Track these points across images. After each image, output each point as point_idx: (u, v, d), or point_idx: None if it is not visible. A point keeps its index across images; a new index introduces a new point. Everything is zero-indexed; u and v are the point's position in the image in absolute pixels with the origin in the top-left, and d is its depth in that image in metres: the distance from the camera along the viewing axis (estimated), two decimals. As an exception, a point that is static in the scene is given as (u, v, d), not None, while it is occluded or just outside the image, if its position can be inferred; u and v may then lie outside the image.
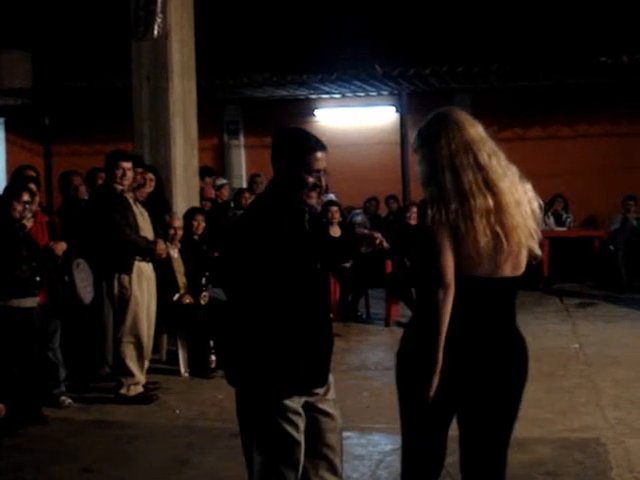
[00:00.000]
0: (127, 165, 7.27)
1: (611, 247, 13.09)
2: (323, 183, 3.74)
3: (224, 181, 12.61)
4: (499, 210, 3.23)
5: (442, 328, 3.20)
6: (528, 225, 3.33)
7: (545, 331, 9.82)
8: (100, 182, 8.05)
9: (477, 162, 3.25)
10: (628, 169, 14.20)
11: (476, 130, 3.33)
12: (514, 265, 3.33)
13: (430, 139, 3.33)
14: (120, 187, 7.26)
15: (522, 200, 3.32)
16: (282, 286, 3.62)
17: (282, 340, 3.63)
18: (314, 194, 3.74)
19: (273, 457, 3.73)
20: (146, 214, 7.54)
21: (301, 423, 3.73)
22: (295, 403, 3.71)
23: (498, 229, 3.22)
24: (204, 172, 11.45)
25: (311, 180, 3.69)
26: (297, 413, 3.71)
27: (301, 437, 3.73)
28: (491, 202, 3.21)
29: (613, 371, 7.93)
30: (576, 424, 6.34)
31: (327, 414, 3.89)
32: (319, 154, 3.69)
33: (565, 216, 13.73)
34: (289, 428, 3.68)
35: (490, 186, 3.23)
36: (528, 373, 3.43)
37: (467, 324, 3.27)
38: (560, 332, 9.76)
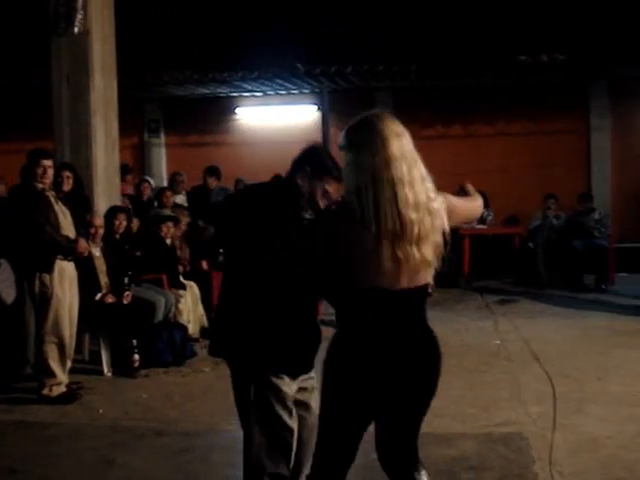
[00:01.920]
0: (48, 163, 7.18)
1: (530, 245, 13.30)
2: (322, 204, 3.93)
3: (150, 180, 12.59)
4: (403, 237, 3.32)
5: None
6: (431, 245, 3.40)
7: (467, 328, 9.94)
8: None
9: (393, 182, 3.32)
10: (548, 167, 14.46)
11: (399, 144, 3.38)
12: (413, 279, 3.40)
13: (357, 147, 3.41)
14: (41, 185, 7.15)
15: (426, 222, 3.37)
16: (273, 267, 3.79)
17: (269, 318, 3.81)
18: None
19: (267, 440, 3.86)
20: (68, 212, 7.41)
21: (294, 411, 3.91)
22: (288, 387, 3.88)
23: (400, 254, 3.32)
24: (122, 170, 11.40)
25: (320, 197, 3.92)
26: (287, 395, 3.87)
27: (294, 424, 3.91)
28: (398, 228, 3.31)
29: (534, 366, 8.06)
30: (499, 419, 6.41)
31: (307, 407, 4.07)
32: (334, 184, 3.92)
33: (486, 214, 13.90)
34: (282, 413, 3.85)
35: (400, 212, 3.31)
36: (438, 371, 3.51)
37: (370, 334, 3.40)
38: (482, 329, 9.89)
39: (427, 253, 3.35)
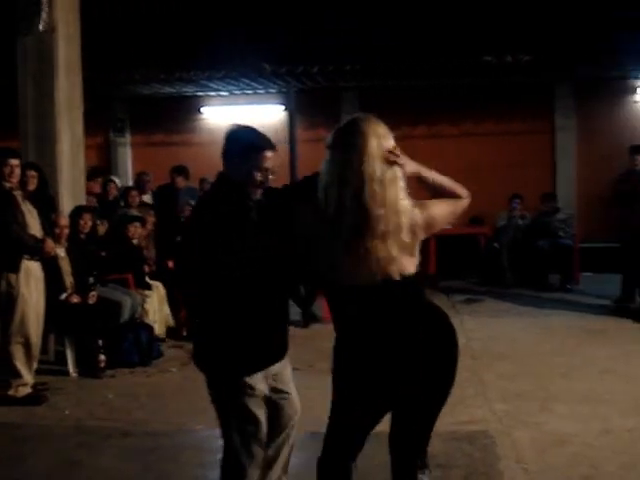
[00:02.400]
0: (15, 162, 7.14)
1: (496, 245, 13.40)
2: (268, 181, 3.87)
3: (116, 180, 12.55)
4: (367, 232, 3.38)
5: None
6: (396, 242, 3.43)
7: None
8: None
9: (363, 178, 3.39)
10: (514, 167, 14.53)
11: (378, 143, 3.47)
12: (386, 273, 3.42)
13: (338, 145, 3.49)
14: (8, 184, 7.10)
15: (392, 220, 3.41)
16: (226, 273, 3.74)
17: (234, 322, 3.77)
18: (259, 190, 3.86)
19: (239, 436, 3.85)
20: (35, 212, 7.39)
21: (264, 404, 3.89)
22: (262, 383, 3.86)
23: (363, 249, 3.38)
24: (94, 172, 11.43)
25: (259, 177, 3.81)
26: (260, 391, 3.85)
27: (263, 417, 3.88)
28: (360, 223, 3.37)
29: (499, 365, 8.14)
30: (464, 417, 6.44)
31: (285, 394, 4.05)
32: (268, 153, 3.84)
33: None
34: (253, 407, 3.83)
35: (365, 207, 3.37)
36: (447, 360, 3.54)
37: (357, 331, 3.51)
38: (447, 328, 9.92)
39: (392, 249, 3.38)
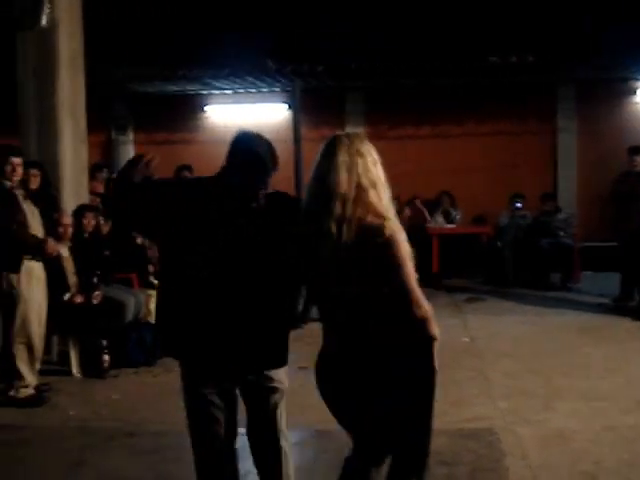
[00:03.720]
0: (17, 161, 7.08)
1: (498, 244, 13.41)
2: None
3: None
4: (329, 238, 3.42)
5: None
6: None
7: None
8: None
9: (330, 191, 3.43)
10: (516, 167, 14.56)
11: (352, 159, 3.46)
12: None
13: (319, 156, 3.51)
14: (9, 183, 7.06)
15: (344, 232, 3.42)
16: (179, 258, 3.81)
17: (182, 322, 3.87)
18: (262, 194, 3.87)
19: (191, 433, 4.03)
20: (36, 211, 7.32)
21: (216, 398, 3.93)
22: (216, 396, 3.93)
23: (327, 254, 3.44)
24: (95, 169, 11.35)
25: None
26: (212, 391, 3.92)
27: (217, 412, 3.94)
28: (325, 229, 3.41)
29: (503, 363, 8.16)
30: (469, 415, 6.49)
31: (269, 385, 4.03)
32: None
33: (454, 213, 13.99)
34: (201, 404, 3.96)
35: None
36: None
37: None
38: (451, 326, 9.90)
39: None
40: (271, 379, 3.98)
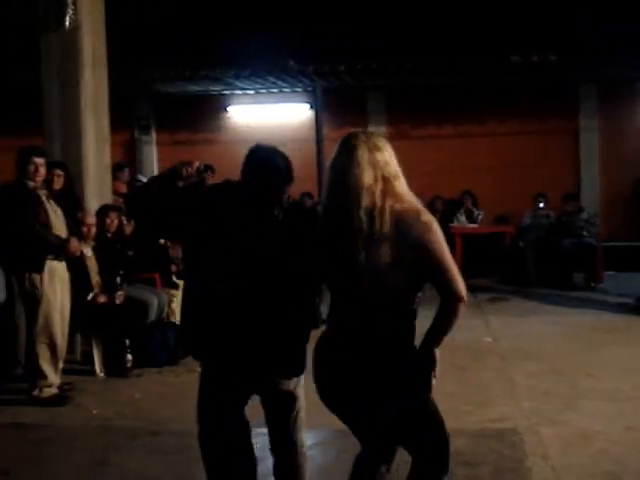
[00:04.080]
0: (40, 161, 7.08)
1: (520, 243, 13.38)
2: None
3: (143, 179, 12.56)
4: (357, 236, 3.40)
5: None
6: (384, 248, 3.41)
7: (458, 326, 9.81)
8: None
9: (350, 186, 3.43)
10: (538, 167, 14.53)
11: (370, 154, 3.45)
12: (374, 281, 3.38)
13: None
14: (32, 183, 7.06)
15: (376, 226, 3.39)
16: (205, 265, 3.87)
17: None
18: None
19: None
20: (59, 211, 7.33)
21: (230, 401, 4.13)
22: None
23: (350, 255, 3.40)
24: (117, 168, 11.37)
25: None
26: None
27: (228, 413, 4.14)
28: (347, 229, 3.40)
29: (526, 363, 8.12)
30: (492, 415, 6.47)
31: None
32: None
33: (476, 213, 13.97)
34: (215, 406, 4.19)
35: (350, 213, 3.39)
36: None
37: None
38: (473, 326, 9.88)
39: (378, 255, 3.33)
40: (290, 386, 4.03)
